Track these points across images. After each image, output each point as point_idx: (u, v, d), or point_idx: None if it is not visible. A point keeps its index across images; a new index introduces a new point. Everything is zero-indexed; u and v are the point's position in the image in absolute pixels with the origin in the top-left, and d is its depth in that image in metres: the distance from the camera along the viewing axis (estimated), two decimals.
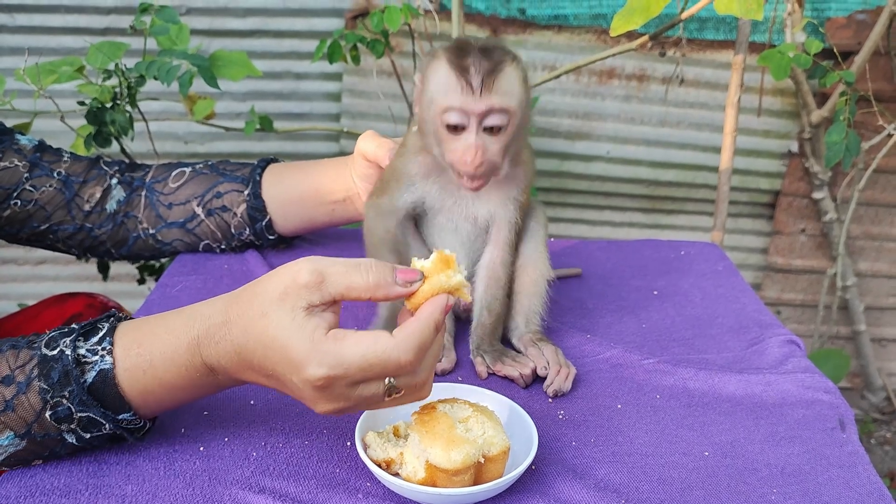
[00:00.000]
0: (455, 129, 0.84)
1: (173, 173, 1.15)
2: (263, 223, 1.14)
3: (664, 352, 1.00)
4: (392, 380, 0.67)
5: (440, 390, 0.82)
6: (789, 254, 2.24)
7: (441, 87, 0.84)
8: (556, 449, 0.81)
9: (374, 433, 0.76)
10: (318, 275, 0.67)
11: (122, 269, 2.04)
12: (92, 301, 1.31)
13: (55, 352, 0.70)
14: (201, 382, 0.72)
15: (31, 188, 1.08)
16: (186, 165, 1.16)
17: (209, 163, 1.17)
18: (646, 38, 1.42)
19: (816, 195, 2.12)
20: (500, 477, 0.72)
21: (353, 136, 2.03)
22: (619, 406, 0.89)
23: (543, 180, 2.18)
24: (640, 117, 2.13)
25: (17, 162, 1.07)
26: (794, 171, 2.14)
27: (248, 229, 1.15)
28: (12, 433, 0.70)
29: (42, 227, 1.10)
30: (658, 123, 2.14)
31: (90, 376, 0.70)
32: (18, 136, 1.09)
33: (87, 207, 1.11)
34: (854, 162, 2.03)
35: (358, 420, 0.77)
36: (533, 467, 0.78)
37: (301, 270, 0.67)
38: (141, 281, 1.76)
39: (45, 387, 0.69)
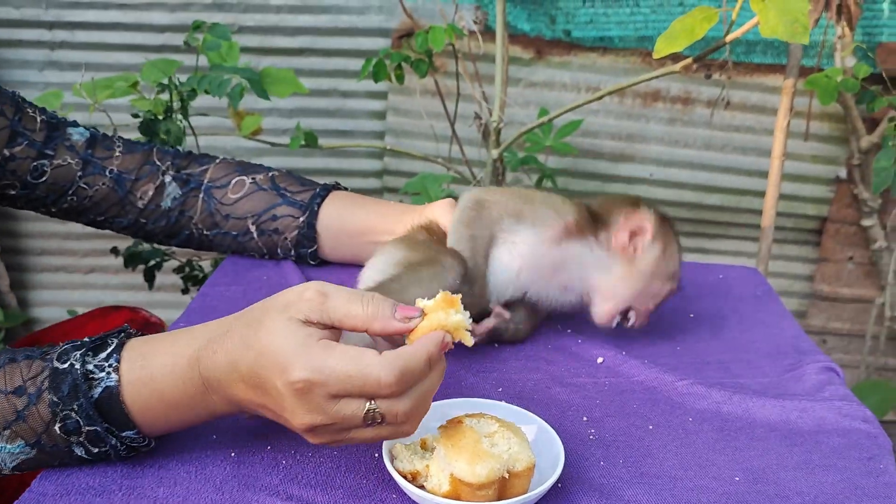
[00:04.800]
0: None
1: (233, 181, 1.15)
2: (309, 250, 1.17)
3: (698, 374, 0.99)
4: (373, 403, 0.66)
5: (468, 405, 0.82)
6: (836, 282, 2.19)
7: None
8: (583, 468, 0.81)
9: (402, 445, 0.76)
10: (322, 295, 0.68)
11: (167, 279, 2.08)
12: (134, 316, 1.34)
13: (66, 365, 0.72)
14: (197, 401, 0.73)
15: (84, 185, 1.10)
16: (246, 173, 1.16)
17: (271, 174, 1.17)
18: (689, 60, 1.41)
19: (865, 222, 2.07)
20: (525, 493, 0.72)
21: (397, 154, 2.06)
22: (651, 427, 0.88)
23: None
24: (684, 140, 2.12)
25: (69, 160, 1.09)
26: (843, 197, 2.10)
27: (292, 252, 1.18)
28: (23, 441, 0.72)
29: (99, 219, 1.15)
30: (703, 147, 2.12)
31: (96, 392, 0.71)
32: (70, 131, 1.11)
33: (140, 204, 1.13)
34: None
35: None
36: (559, 485, 0.77)
37: (308, 289, 0.69)
38: (185, 291, 1.80)
39: (55, 399, 0.71)
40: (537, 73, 2.07)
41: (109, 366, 0.72)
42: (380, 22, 2.06)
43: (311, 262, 1.19)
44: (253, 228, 1.16)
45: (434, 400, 0.73)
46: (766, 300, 1.19)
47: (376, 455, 0.81)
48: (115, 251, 1.90)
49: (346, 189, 1.21)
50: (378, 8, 2.04)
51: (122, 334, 0.76)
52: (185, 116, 1.50)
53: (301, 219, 1.15)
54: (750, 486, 0.79)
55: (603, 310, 0.99)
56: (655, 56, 1.27)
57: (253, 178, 1.16)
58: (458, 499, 0.70)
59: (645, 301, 1.00)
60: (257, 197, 1.15)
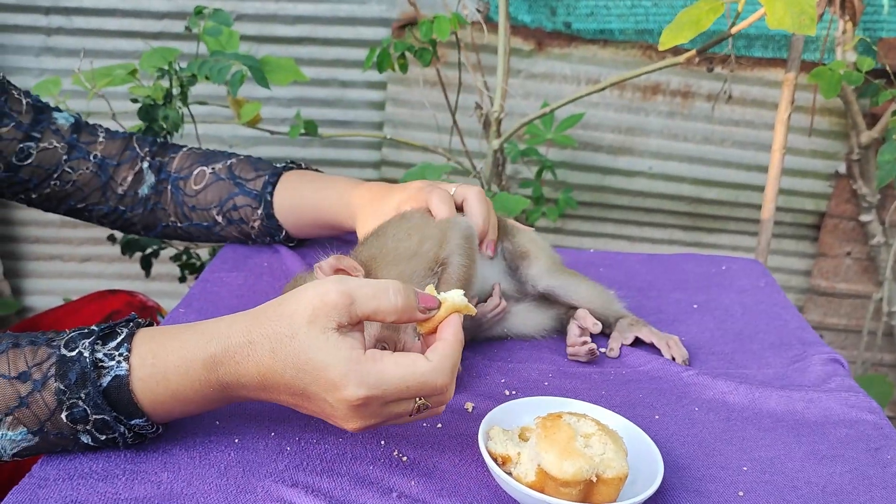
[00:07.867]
0: None
1: (195, 172, 1.16)
2: (281, 236, 1.18)
3: (703, 365, 0.99)
4: (423, 399, 0.69)
5: (580, 407, 0.82)
6: (833, 277, 2.20)
7: None
8: None
9: (499, 429, 0.76)
10: (348, 296, 0.67)
11: (163, 268, 2.07)
12: (131, 299, 1.33)
13: (74, 353, 0.70)
14: (214, 397, 0.72)
15: (69, 169, 1.11)
16: (207, 163, 1.17)
17: (229, 162, 1.17)
18: (692, 52, 1.40)
19: (864, 218, 2.07)
20: (612, 502, 0.70)
21: (395, 144, 2.05)
22: (657, 417, 0.88)
23: (585, 194, 2.17)
24: (683, 134, 2.12)
25: (55, 143, 1.10)
26: (842, 192, 2.10)
27: (268, 238, 1.19)
28: (25, 429, 0.70)
29: (79, 206, 1.15)
30: (702, 140, 2.12)
31: (105, 381, 0.70)
32: (56, 115, 1.12)
33: (120, 190, 1.15)
34: None
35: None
36: None
37: (330, 291, 0.67)
38: (182, 279, 1.79)
39: (62, 387, 0.69)
40: (537, 64, 2.06)
41: (120, 355, 0.70)
42: (380, 11, 2.04)
43: (291, 245, 1.20)
44: (220, 219, 1.17)
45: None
46: (770, 291, 1.18)
47: (382, 442, 0.80)
48: (111, 238, 1.88)
49: (299, 166, 1.20)
50: None
51: (132, 324, 0.74)
52: (185, 103, 1.48)
53: (259, 210, 1.15)
54: (758, 476, 0.79)
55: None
56: (661, 48, 1.26)
57: (213, 168, 1.16)
58: (542, 491, 0.69)
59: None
60: (216, 187, 1.15)
